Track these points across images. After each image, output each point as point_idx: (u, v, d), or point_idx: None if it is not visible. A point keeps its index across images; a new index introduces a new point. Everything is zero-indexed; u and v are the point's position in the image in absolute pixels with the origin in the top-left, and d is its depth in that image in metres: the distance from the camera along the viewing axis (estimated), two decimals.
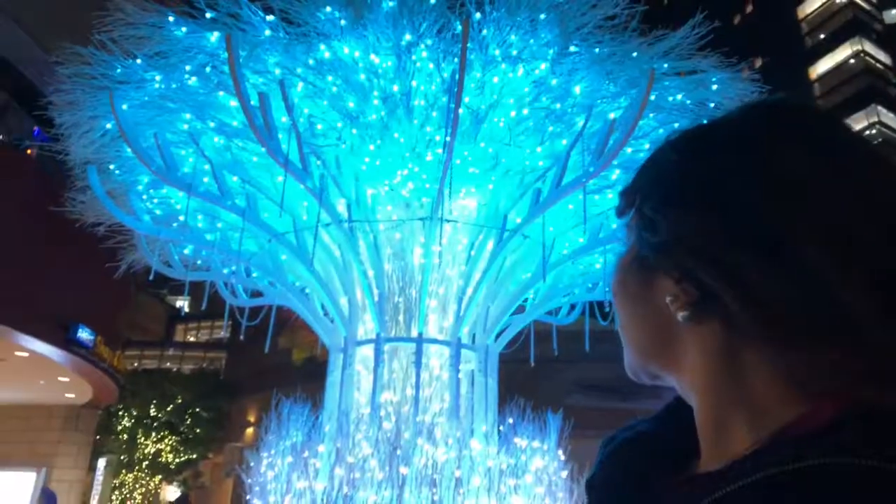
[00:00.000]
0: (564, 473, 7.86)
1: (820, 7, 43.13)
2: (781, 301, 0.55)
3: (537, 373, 14.10)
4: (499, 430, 7.96)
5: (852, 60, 40.65)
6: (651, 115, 7.84)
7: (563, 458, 7.96)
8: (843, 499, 0.48)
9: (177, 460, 25.42)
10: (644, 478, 0.69)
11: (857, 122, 36.75)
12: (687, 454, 0.68)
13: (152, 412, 25.37)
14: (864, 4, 42.89)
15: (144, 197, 9.26)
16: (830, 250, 0.55)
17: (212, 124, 8.07)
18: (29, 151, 15.47)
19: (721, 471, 0.56)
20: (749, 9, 45.15)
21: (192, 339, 41.43)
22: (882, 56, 41.15)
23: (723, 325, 0.60)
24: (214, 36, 7.19)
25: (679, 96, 7.90)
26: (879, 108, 38.47)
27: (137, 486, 24.73)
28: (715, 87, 7.86)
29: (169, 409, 25.59)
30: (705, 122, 0.69)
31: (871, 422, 0.52)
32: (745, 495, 0.52)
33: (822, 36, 42.59)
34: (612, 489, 0.73)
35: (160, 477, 25.19)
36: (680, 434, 0.70)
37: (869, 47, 40.84)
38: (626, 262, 0.71)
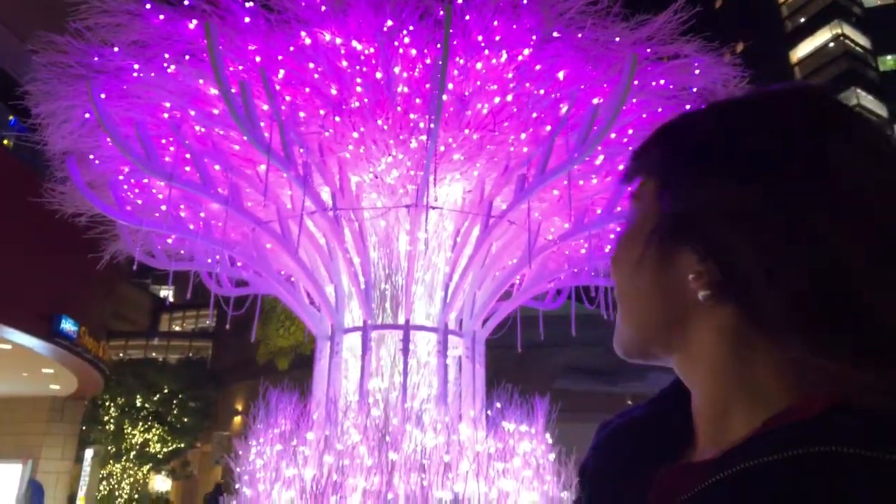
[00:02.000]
0: (552, 456, 7.93)
1: None
2: (811, 290, 0.55)
3: (525, 358, 14.20)
4: (487, 415, 8.01)
5: (832, 44, 40.95)
6: (634, 100, 7.84)
7: (550, 441, 8.03)
8: (827, 487, 0.48)
9: (164, 450, 25.35)
10: (637, 464, 0.68)
11: None
12: (682, 439, 0.68)
13: (139, 402, 25.24)
14: None
15: (125, 187, 9.15)
16: (867, 249, 0.54)
17: (192, 113, 7.98)
18: (6, 142, 15.21)
19: (713, 459, 0.57)
20: None
21: (177, 328, 41.19)
22: (861, 39, 41.46)
23: (739, 308, 0.59)
24: (193, 23, 7.09)
25: (662, 81, 7.91)
26: (859, 91, 38.81)
27: (125, 475, 24.65)
28: (697, 71, 7.88)
29: (155, 398, 25.48)
30: (741, 95, 0.66)
31: (864, 413, 0.52)
32: (731, 484, 0.52)
33: (802, 19, 42.81)
34: (604, 475, 0.73)
35: (148, 466, 25.12)
36: (675, 419, 0.70)
37: (848, 31, 41.13)
38: (636, 232, 0.67)
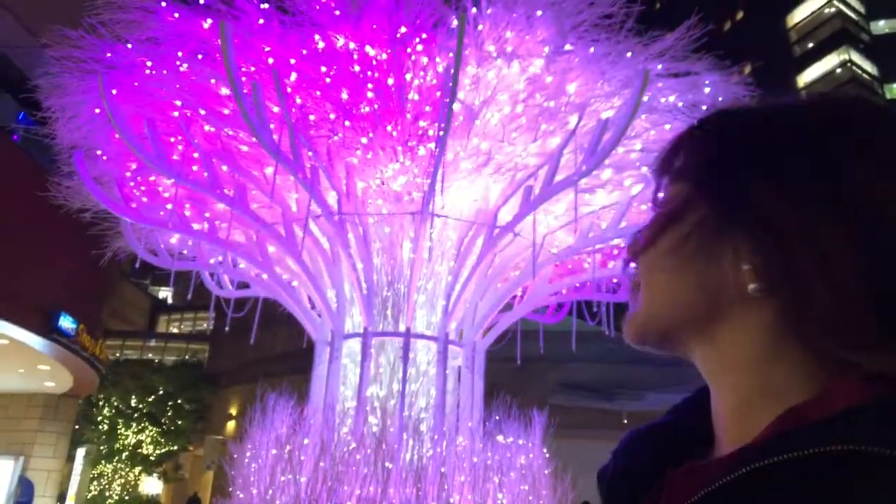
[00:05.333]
0: (548, 471, 7.88)
1: (809, 16, 43.62)
2: (868, 290, 0.53)
3: (522, 372, 14.13)
4: (484, 427, 7.96)
5: (839, 70, 41.18)
6: (643, 115, 7.85)
7: (546, 455, 7.98)
8: (843, 487, 0.47)
9: (157, 452, 25.19)
10: (655, 466, 0.68)
11: None
12: (702, 444, 0.67)
13: (133, 403, 25.11)
14: (852, 15, 43.43)
15: (132, 184, 9.15)
16: None
17: (202, 112, 7.98)
18: (13, 136, 15.23)
19: (726, 458, 0.55)
20: (739, 15, 45.53)
21: (174, 330, 41.10)
22: (868, 66, 41.69)
23: (786, 304, 0.57)
24: (207, 22, 7.11)
25: (672, 98, 7.92)
26: None
27: (116, 476, 24.47)
28: (708, 89, 7.89)
29: (150, 399, 25.35)
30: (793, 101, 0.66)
31: (885, 410, 0.51)
32: (743, 484, 0.51)
33: (810, 44, 43.08)
34: (622, 477, 0.72)
35: (140, 468, 24.94)
36: (696, 425, 0.69)
37: (856, 57, 41.39)
38: (678, 218, 0.64)
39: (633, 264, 0.70)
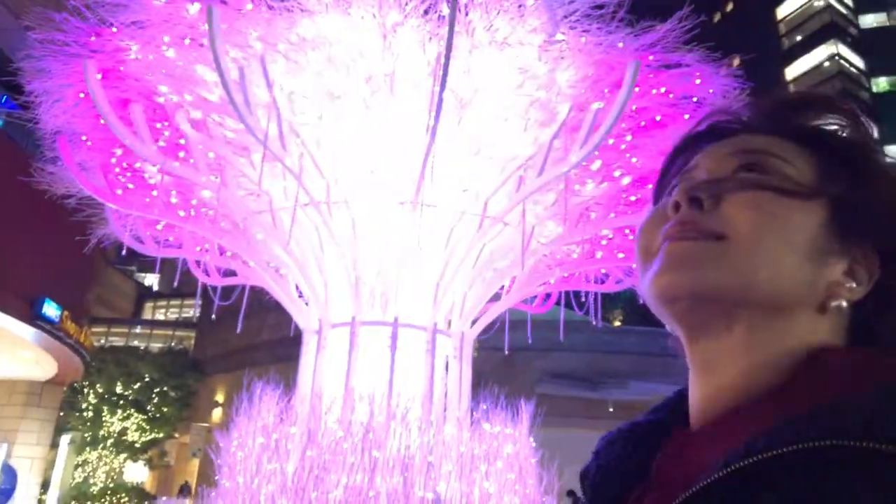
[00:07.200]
0: (534, 460, 7.92)
1: (798, 9, 43.82)
2: None
3: (508, 361, 14.20)
4: (471, 416, 7.98)
5: (827, 63, 41.44)
6: (634, 106, 7.84)
7: (533, 445, 8.02)
8: (824, 481, 0.47)
9: (142, 439, 25.09)
10: (638, 464, 0.66)
11: None
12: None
13: (118, 390, 24.96)
14: (841, 8, 43.65)
15: (117, 170, 9.03)
16: None
17: (189, 98, 7.88)
18: None
19: (718, 449, 0.54)
20: (729, 7, 45.64)
21: (160, 317, 40.89)
22: (856, 60, 41.97)
23: (847, 328, 0.60)
24: (194, 6, 7.00)
25: (662, 89, 7.91)
26: None
27: (101, 464, 24.35)
28: (698, 81, 7.88)
29: (136, 386, 25.22)
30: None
31: (875, 400, 0.51)
32: (735, 480, 0.50)
33: (798, 37, 43.30)
34: (605, 476, 0.71)
35: (125, 455, 24.84)
36: (677, 424, 0.68)
37: (844, 51, 41.64)
38: (811, 197, 0.61)
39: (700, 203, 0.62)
